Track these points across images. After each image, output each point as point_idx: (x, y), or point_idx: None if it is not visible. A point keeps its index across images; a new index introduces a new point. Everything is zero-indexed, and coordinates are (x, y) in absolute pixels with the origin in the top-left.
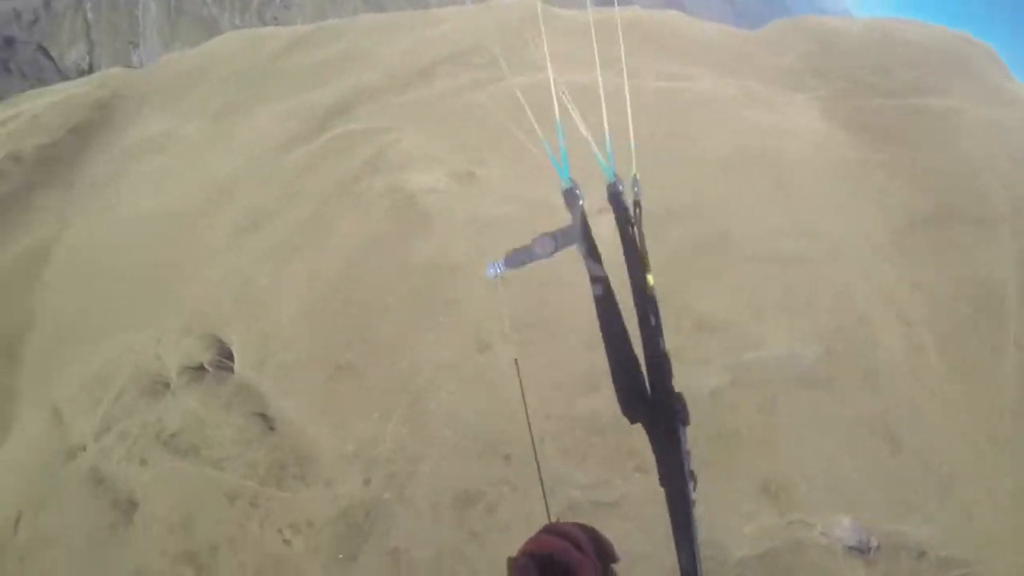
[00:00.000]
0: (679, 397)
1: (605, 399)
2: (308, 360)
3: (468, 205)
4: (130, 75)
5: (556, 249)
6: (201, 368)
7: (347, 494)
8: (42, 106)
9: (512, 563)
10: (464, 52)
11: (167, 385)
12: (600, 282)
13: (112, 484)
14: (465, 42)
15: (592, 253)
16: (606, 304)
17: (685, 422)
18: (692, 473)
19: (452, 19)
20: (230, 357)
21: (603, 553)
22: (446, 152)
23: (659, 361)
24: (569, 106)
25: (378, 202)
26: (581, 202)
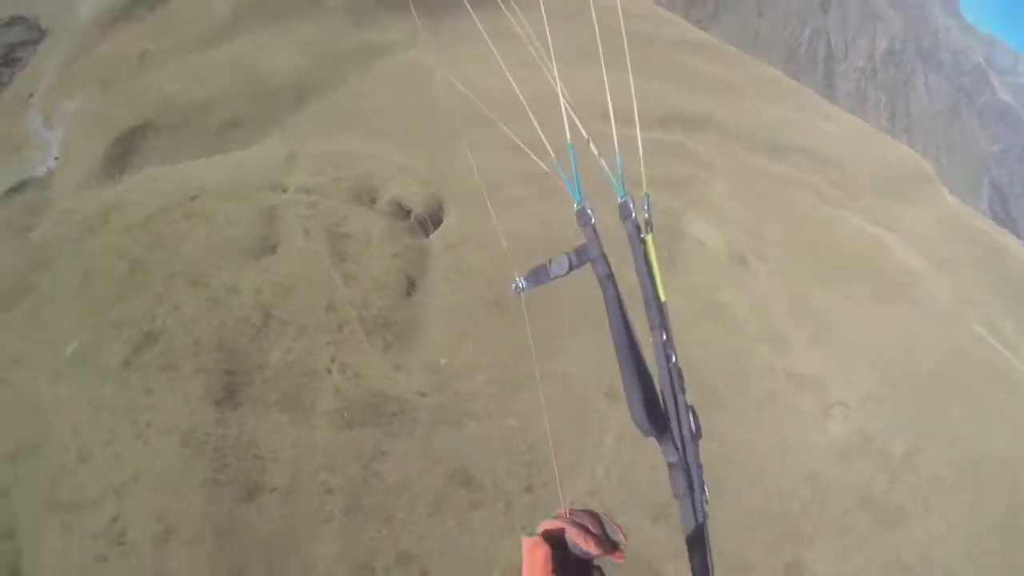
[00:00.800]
0: (691, 410)
1: (660, 533)
2: (487, 277)
3: (717, 279)
4: None
5: (571, 268)
6: (407, 213)
7: (399, 387)
8: None
9: (526, 543)
10: (830, 162)
11: (373, 202)
12: (613, 298)
13: (276, 226)
14: (837, 153)
15: (605, 271)
16: (620, 320)
17: (697, 435)
18: (704, 485)
19: (842, 123)
20: (436, 225)
21: (612, 535)
22: (741, 227)
23: (671, 374)
24: (580, 127)
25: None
26: (593, 221)
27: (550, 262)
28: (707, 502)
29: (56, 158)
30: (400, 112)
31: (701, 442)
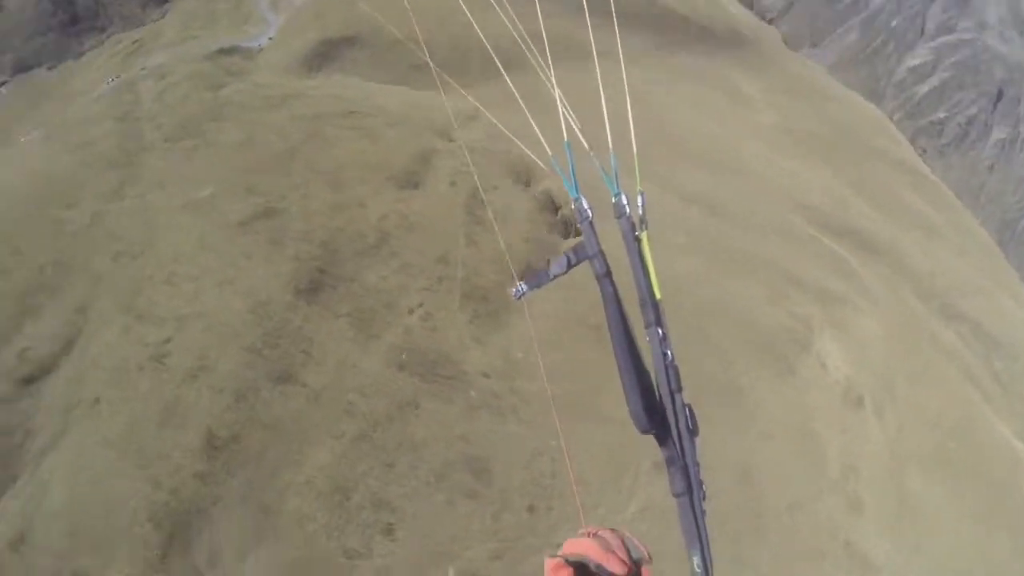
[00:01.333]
0: (689, 409)
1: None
2: (599, 302)
3: (823, 408)
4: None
5: (570, 266)
6: (556, 209)
7: (467, 358)
8: None
9: (549, 564)
10: (999, 349)
11: (528, 185)
12: (611, 296)
13: (428, 167)
14: (1012, 344)
15: (603, 269)
16: (618, 318)
17: (694, 433)
18: (701, 483)
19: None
20: (579, 233)
21: (635, 556)
22: (873, 370)
23: (668, 371)
24: (575, 127)
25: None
26: (590, 217)
27: (550, 262)
28: (705, 498)
29: (270, 39)
30: (590, 114)
31: (698, 440)
